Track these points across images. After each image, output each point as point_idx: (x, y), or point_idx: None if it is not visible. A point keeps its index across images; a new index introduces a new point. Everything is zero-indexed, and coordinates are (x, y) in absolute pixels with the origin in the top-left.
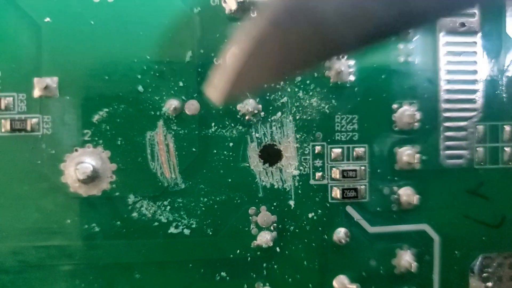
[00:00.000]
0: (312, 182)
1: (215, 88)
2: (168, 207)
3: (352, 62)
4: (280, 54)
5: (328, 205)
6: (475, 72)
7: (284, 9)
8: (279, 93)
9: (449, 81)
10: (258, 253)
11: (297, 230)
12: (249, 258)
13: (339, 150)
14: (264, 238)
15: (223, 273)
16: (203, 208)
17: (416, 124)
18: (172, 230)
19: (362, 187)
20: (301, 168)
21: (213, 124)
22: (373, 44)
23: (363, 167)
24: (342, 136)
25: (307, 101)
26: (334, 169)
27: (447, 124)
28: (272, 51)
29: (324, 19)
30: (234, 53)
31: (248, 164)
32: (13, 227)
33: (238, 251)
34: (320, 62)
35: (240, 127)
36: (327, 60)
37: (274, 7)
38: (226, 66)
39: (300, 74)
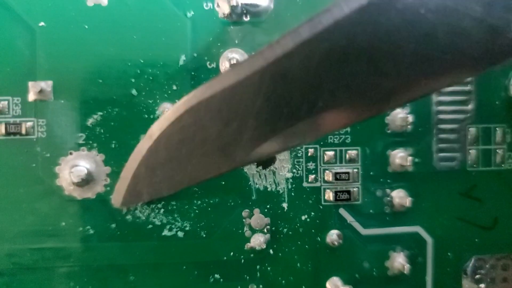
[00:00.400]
0: (305, 184)
1: (116, 192)
2: (162, 210)
3: None
4: (183, 158)
5: (321, 207)
6: None
7: (188, 110)
8: None
9: None
10: (252, 255)
11: (290, 232)
12: (242, 260)
13: (332, 152)
14: (258, 241)
15: (216, 275)
16: (197, 211)
17: (408, 126)
18: (166, 232)
19: (355, 189)
20: (294, 170)
21: None
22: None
23: (355, 170)
24: (335, 139)
25: None
26: (327, 171)
27: (439, 126)
28: (172, 156)
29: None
30: (133, 158)
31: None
32: (8, 229)
33: (231, 253)
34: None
35: None
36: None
37: (177, 108)
38: (125, 171)
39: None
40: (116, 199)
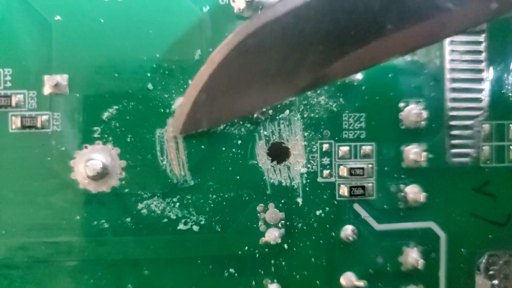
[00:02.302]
0: (319, 179)
1: (175, 119)
2: (177, 204)
3: None
4: (244, 85)
5: (335, 202)
6: (481, 71)
7: (251, 34)
8: None
9: (455, 80)
10: (266, 249)
11: (305, 227)
12: (257, 255)
13: (347, 148)
14: (272, 235)
15: (231, 270)
16: (212, 205)
17: (422, 122)
18: (181, 226)
19: (370, 185)
20: (308, 165)
21: None
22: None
23: (370, 165)
24: (349, 134)
25: (315, 100)
26: (341, 167)
27: (453, 122)
28: (234, 83)
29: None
30: (194, 84)
31: (256, 162)
32: (22, 223)
33: (246, 247)
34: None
35: (249, 125)
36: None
37: (239, 32)
38: (186, 98)
39: (268, 106)
40: (176, 127)
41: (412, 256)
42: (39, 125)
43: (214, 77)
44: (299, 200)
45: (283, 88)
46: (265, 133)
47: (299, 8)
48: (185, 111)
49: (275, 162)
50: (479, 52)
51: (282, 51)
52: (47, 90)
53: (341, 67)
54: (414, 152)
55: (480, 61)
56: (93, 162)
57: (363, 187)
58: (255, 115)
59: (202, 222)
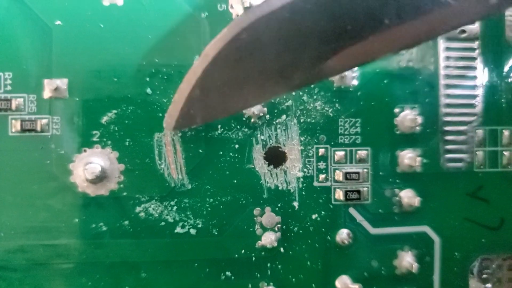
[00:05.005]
0: (315, 184)
1: (169, 115)
2: (175, 207)
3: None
4: (239, 80)
5: (331, 206)
6: (474, 77)
7: (246, 28)
8: (284, 97)
9: (449, 86)
10: (263, 253)
11: (301, 231)
12: (253, 258)
13: (342, 152)
14: (269, 239)
15: (228, 273)
16: (209, 209)
17: (417, 128)
18: (178, 230)
19: (365, 189)
20: (305, 170)
21: (219, 126)
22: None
23: (365, 170)
24: (345, 139)
25: (311, 105)
26: (337, 171)
27: (447, 128)
28: (228, 78)
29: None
30: (187, 79)
31: (253, 166)
32: (21, 225)
33: (243, 251)
34: (288, 87)
35: (246, 129)
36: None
37: (233, 26)
38: (179, 93)
39: (260, 102)
40: (169, 123)
41: (407, 260)
42: (38, 128)
43: (208, 72)
44: (295, 204)
45: (278, 84)
46: (262, 137)
47: (295, 2)
48: (179, 106)
49: (271, 166)
50: (473, 59)
51: (277, 45)
52: (47, 94)
53: (338, 63)
54: (409, 157)
55: (474, 68)
56: (92, 165)
57: (358, 192)
58: (252, 120)
59: (199, 226)
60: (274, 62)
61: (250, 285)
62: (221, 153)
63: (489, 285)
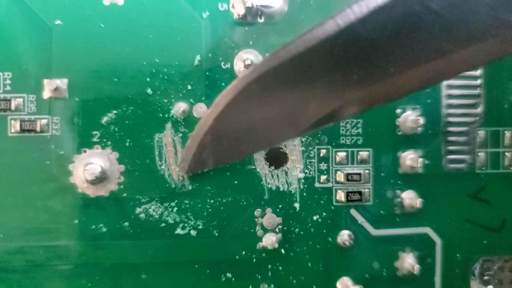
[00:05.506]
0: (317, 185)
1: (182, 160)
2: (175, 208)
3: None
4: (248, 127)
5: (332, 207)
6: (476, 78)
7: (255, 80)
8: None
9: (451, 87)
10: (263, 254)
11: (302, 232)
12: (254, 260)
13: (344, 153)
14: (270, 240)
15: (228, 274)
16: (210, 210)
17: (419, 129)
18: (179, 231)
19: (366, 190)
20: (306, 171)
21: None
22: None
23: (367, 171)
24: (346, 140)
25: None
26: (338, 172)
27: (449, 129)
28: (238, 125)
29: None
30: (199, 127)
31: (254, 167)
32: (21, 226)
33: (243, 252)
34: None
35: None
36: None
37: (243, 78)
38: (192, 140)
39: (267, 147)
40: (182, 167)
41: (408, 261)
42: (38, 129)
43: (219, 120)
44: (297, 205)
45: (287, 129)
46: None
47: (301, 54)
48: (191, 152)
49: (273, 167)
50: None
51: (285, 94)
52: (46, 94)
53: (343, 109)
54: (410, 158)
55: (475, 68)
56: (92, 166)
57: (360, 193)
58: None
59: (200, 227)
60: (283, 110)
61: (250, 287)
62: None
63: (490, 286)
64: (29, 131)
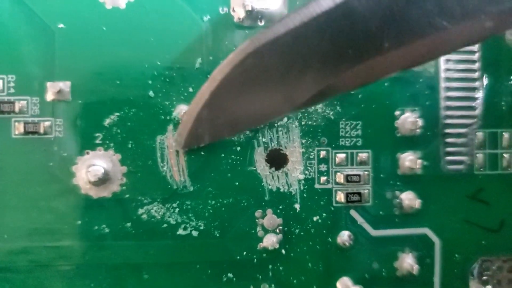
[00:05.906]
0: (317, 186)
1: (178, 135)
2: (177, 209)
3: None
4: (244, 102)
5: (332, 208)
6: (475, 80)
7: (251, 54)
8: None
9: (449, 89)
10: (264, 255)
11: (302, 233)
12: (255, 260)
13: (343, 155)
14: (270, 241)
15: (230, 274)
16: (211, 211)
17: (418, 130)
18: (180, 231)
19: (366, 191)
20: (306, 172)
21: None
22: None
23: (366, 172)
24: (346, 142)
25: (313, 108)
26: (338, 173)
27: (448, 130)
28: (234, 100)
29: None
30: (195, 101)
31: (255, 168)
32: (25, 227)
33: (244, 253)
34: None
35: (247, 132)
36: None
37: (239, 52)
38: (188, 114)
39: (265, 123)
40: (178, 142)
41: (407, 262)
42: (41, 131)
43: (215, 94)
44: (297, 206)
45: (282, 104)
46: (263, 140)
47: (297, 28)
48: (187, 126)
49: (273, 169)
50: (473, 62)
51: (281, 69)
52: (49, 96)
53: (338, 85)
54: (409, 160)
55: (474, 70)
56: (94, 167)
57: (359, 194)
58: None
59: (201, 228)
60: (278, 84)
61: (251, 287)
62: (222, 155)
63: (489, 286)
64: (32, 133)
